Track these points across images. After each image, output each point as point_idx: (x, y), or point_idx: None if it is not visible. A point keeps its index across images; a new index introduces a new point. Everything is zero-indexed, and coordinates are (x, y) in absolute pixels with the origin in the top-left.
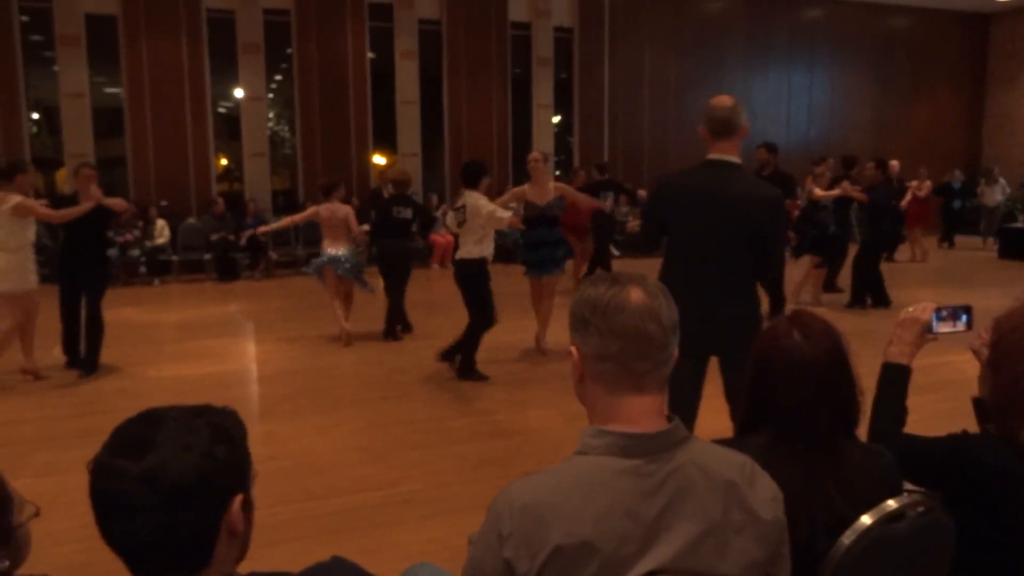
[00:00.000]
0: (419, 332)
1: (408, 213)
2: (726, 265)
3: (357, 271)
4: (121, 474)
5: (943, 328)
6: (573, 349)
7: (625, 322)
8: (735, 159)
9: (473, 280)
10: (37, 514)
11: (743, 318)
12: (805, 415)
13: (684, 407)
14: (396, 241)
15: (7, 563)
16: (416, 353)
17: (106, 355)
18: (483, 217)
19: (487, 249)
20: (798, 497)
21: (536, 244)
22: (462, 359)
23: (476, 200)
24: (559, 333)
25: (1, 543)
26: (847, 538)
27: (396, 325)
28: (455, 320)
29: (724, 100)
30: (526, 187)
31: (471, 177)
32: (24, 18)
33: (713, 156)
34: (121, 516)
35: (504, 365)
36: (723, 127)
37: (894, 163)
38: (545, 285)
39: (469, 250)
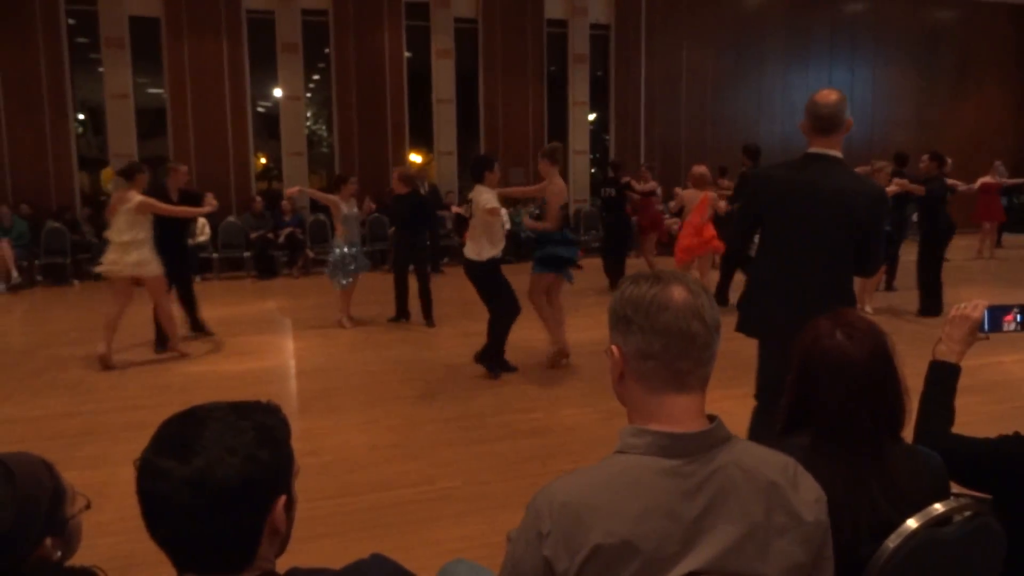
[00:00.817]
0: (454, 329)
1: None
2: (825, 261)
3: (362, 266)
4: (166, 475)
5: (995, 327)
6: (614, 348)
7: (668, 320)
8: (838, 154)
9: (481, 278)
10: (88, 506)
11: None
12: (849, 416)
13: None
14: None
15: (59, 553)
16: (452, 350)
17: (146, 350)
18: (480, 210)
19: (492, 251)
20: (841, 499)
21: (551, 241)
22: (488, 348)
23: (479, 194)
24: (593, 331)
25: (55, 534)
26: (892, 542)
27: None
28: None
29: (830, 96)
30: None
31: (475, 171)
32: (71, 21)
33: (815, 150)
34: (166, 516)
35: (540, 363)
36: (829, 123)
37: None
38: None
39: (475, 250)
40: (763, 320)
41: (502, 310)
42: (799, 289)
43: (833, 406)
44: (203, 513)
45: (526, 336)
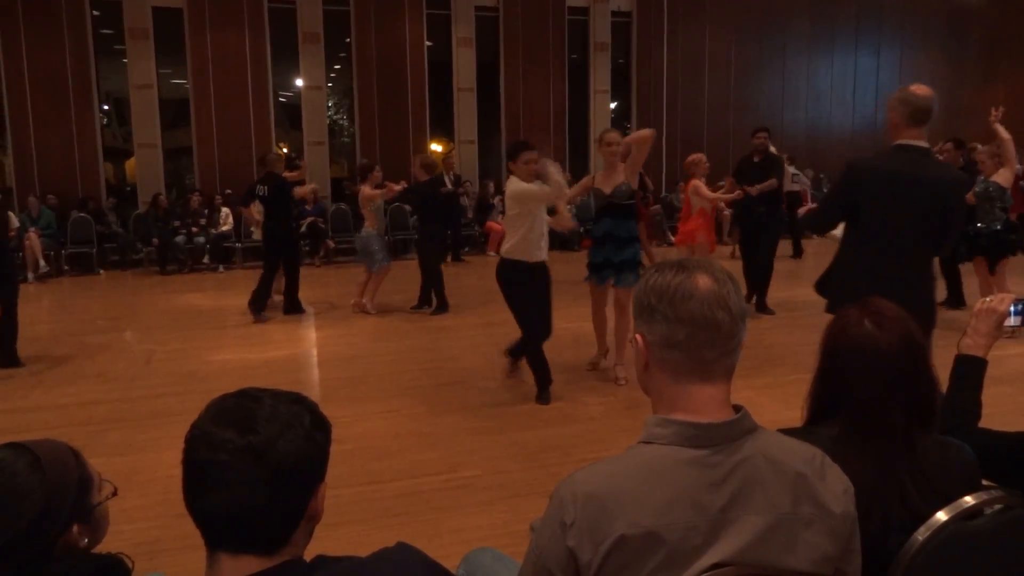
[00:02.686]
0: (477, 319)
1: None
2: (920, 245)
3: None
4: (224, 444)
5: (1022, 322)
6: (638, 337)
7: (693, 309)
8: (926, 145)
9: (502, 284)
10: (115, 493)
11: (931, 300)
12: (879, 406)
13: None
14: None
15: (86, 540)
16: (474, 340)
17: (174, 339)
18: (510, 199)
19: (528, 250)
20: (871, 491)
21: (600, 240)
22: (534, 373)
23: (511, 184)
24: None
25: (81, 521)
26: (921, 534)
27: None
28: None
29: (925, 89)
30: (597, 174)
31: (509, 153)
32: (95, 12)
33: (908, 141)
34: (219, 486)
35: (563, 352)
36: (924, 115)
37: (977, 147)
38: (607, 295)
39: (507, 247)
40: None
41: (524, 332)
42: (897, 272)
43: (864, 396)
44: (259, 485)
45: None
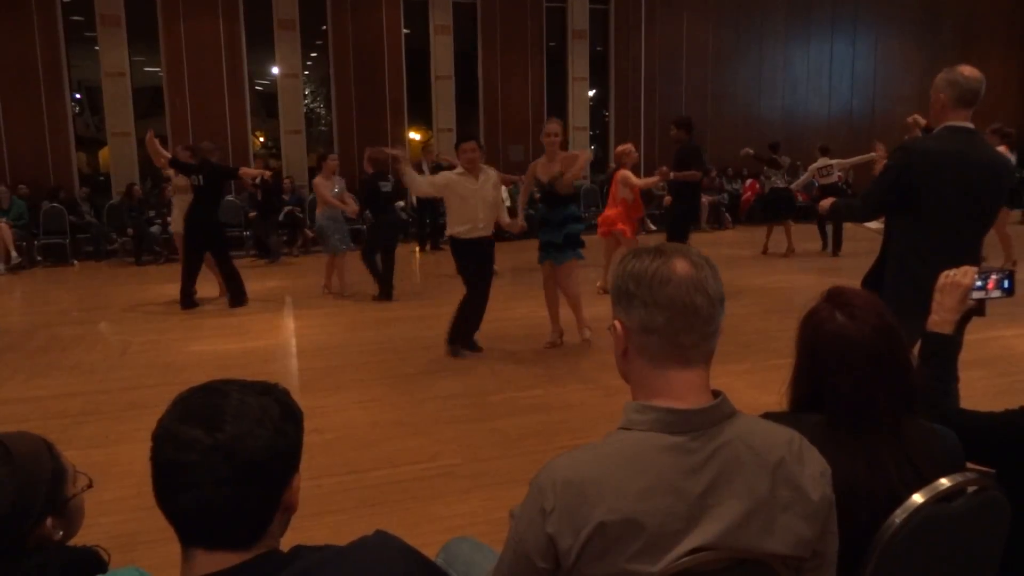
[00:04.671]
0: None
1: (387, 186)
2: (976, 226)
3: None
4: (192, 444)
5: (983, 294)
6: (616, 323)
7: (671, 293)
8: (973, 126)
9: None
10: (90, 485)
11: None
12: (864, 398)
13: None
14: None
15: (60, 533)
16: None
17: (149, 330)
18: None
19: (454, 228)
20: (859, 478)
21: (539, 223)
22: (452, 324)
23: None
24: (597, 308)
25: (56, 514)
26: (898, 517)
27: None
28: (493, 295)
29: (973, 71)
30: (538, 163)
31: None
32: None
33: (959, 123)
34: (187, 486)
35: (542, 340)
36: (973, 97)
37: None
38: (551, 274)
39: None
40: (920, 288)
41: (467, 292)
42: (953, 254)
43: (848, 391)
44: (230, 483)
45: (529, 312)
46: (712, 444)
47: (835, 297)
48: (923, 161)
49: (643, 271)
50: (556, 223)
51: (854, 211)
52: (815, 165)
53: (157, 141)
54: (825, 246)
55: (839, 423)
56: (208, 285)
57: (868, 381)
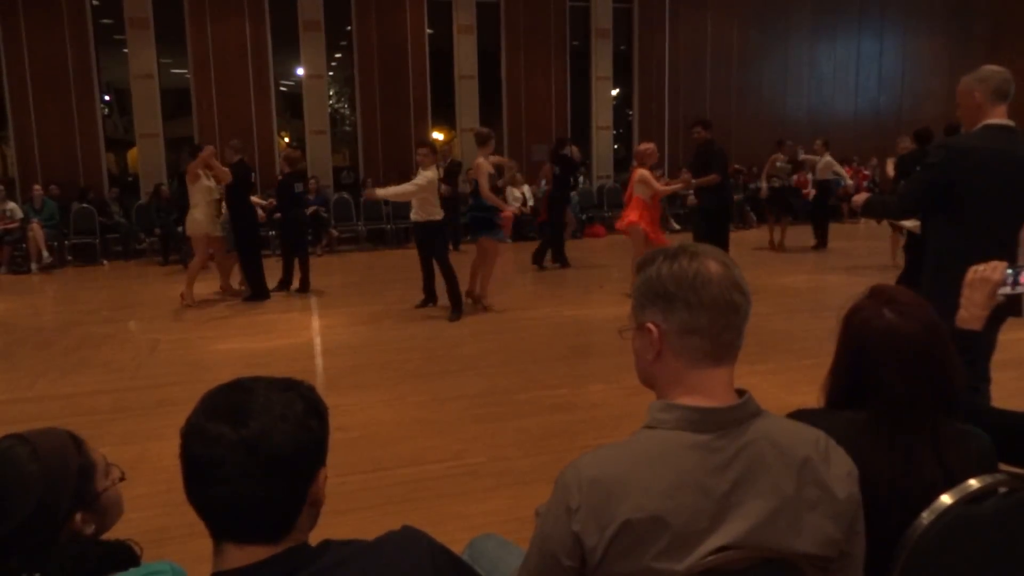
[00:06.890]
0: (479, 308)
1: (300, 187)
2: (1014, 226)
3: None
4: (218, 439)
5: (1014, 290)
6: (651, 326)
7: (714, 293)
8: (1012, 123)
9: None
10: (123, 477)
11: None
12: (910, 394)
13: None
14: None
15: (92, 527)
16: (476, 327)
17: (178, 329)
18: None
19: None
20: (897, 477)
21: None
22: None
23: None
24: (617, 308)
25: (86, 508)
26: (926, 518)
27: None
28: (519, 295)
29: (996, 67)
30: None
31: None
32: (95, 2)
33: (994, 121)
34: (215, 481)
35: (566, 339)
36: (1008, 89)
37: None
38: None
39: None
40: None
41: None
42: (995, 253)
43: (895, 388)
44: (256, 477)
45: (552, 312)
46: (737, 442)
47: (880, 295)
48: (963, 159)
49: (682, 272)
50: (473, 208)
51: (889, 208)
52: (827, 163)
53: (216, 161)
54: (818, 245)
55: (882, 419)
56: (210, 281)
57: (916, 377)
